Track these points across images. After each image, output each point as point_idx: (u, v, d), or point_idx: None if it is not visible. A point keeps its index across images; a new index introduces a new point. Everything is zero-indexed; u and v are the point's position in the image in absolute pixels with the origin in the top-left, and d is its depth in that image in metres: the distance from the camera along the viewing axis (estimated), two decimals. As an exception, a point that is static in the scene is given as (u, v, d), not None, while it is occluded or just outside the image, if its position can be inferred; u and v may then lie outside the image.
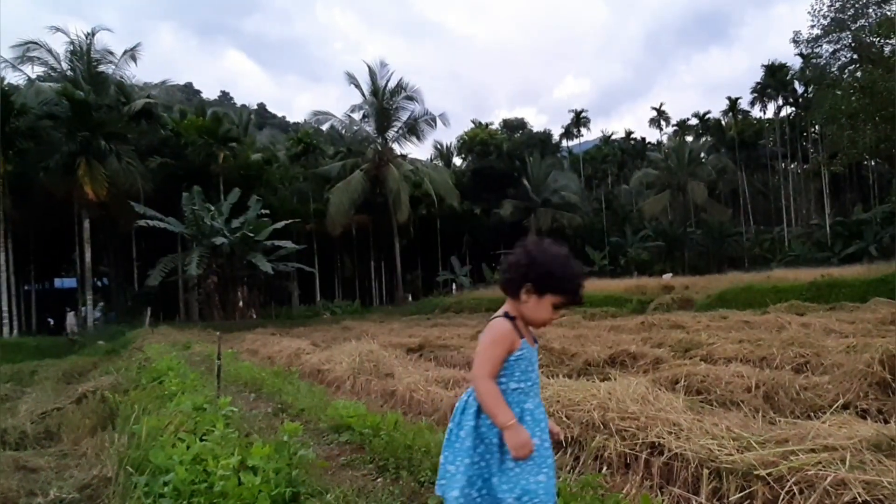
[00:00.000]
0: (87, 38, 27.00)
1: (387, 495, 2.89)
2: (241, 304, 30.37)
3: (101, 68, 27.56)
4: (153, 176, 28.64)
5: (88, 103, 24.92)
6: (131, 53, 28.40)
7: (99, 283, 32.71)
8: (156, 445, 2.96)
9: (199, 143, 30.71)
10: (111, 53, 28.03)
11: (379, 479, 3.21)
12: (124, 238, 31.31)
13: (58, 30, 27.05)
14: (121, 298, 30.81)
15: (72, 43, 27.09)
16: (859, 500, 2.46)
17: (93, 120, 25.09)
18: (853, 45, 18.52)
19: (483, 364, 1.74)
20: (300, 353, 9.59)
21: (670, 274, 34.56)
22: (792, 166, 55.34)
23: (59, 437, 5.07)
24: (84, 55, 26.98)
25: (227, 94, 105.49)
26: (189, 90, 78.32)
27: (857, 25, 18.16)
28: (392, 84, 35.08)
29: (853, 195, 48.60)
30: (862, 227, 37.08)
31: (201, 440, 3.06)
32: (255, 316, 30.56)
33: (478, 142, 49.24)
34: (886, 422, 3.74)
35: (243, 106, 60.33)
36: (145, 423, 3.27)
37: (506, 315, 1.79)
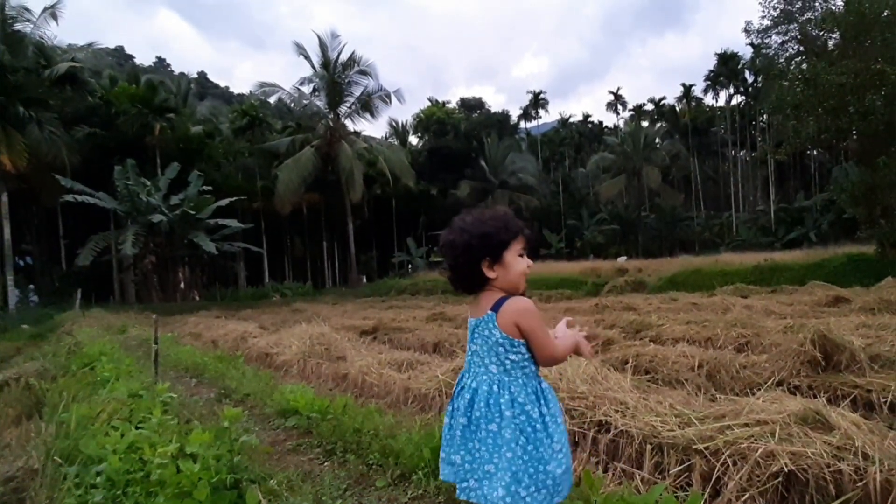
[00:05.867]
0: (-1, -8, 24.49)
1: (333, 478, 2.86)
2: (182, 285, 29.22)
3: (18, 27, 25.08)
4: (80, 147, 26.71)
5: (3, 65, 22.88)
6: (51, 11, 25.78)
7: (21, 263, 30.76)
8: (87, 434, 2.82)
9: (133, 113, 28.65)
10: (28, 10, 25.53)
11: (326, 463, 3.16)
12: (49, 214, 29.38)
13: (-33, -16, 24.42)
14: (46, 279, 28.97)
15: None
16: (786, 469, 2.58)
17: (9, 83, 23.10)
18: (799, 37, 19.14)
19: (544, 332, 1.66)
20: (247, 336, 9.31)
21: (624, 257, 35.50)
22: (741, 154, 57.38)
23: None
24: (-3, 12, 24.60)
25: (163, 60, 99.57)
26: (120, 54, 73.34)
27: (804, 18, 18.78)
28: (344, 57, 33.73)
29: (796, 183, 50.85)
30: (803, 213, 38.92)
31: (137, 428, 2.93)
32: (197, 298, 29.49)
33: (434, 120, 48.72)
34: (816, 397, 3.93)
35: (182, 74, 57.03)
36: (75, 411, 3.11)
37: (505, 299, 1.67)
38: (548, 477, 1.59)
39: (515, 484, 1.56)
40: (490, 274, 1.66)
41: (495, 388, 1.64)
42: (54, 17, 25.95)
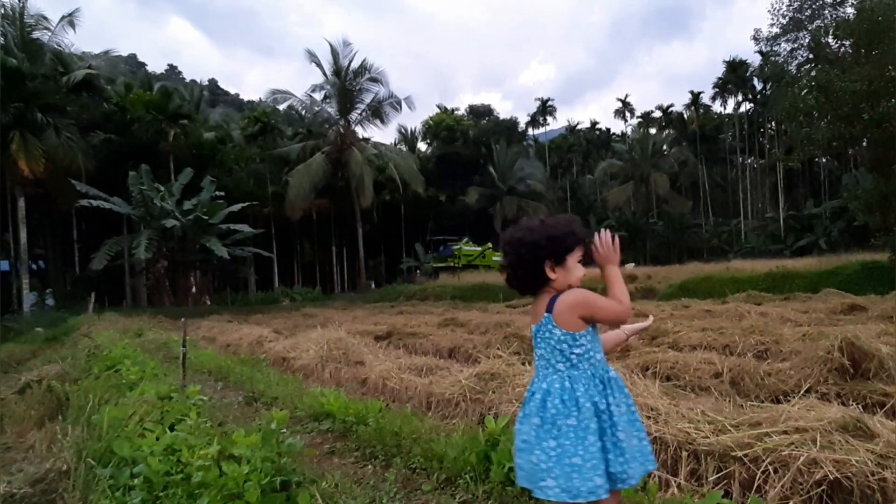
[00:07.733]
0: (19, 0, 24.77)
1: (383, 482, 2.86)
2: (193, 289, 29.27)
3: (36, 35, 25.45)
4: (96, 153, 26.98)
5: (22, 72, 23.12)
6: (69, 19, 26.02)
7: (34, 267, 30.97)
8: (120, 436, 2.82)
9: (147, 120, 29.07)
10: (46, 19, 25.77)
11: (368, 466, 3.17)
12: (63, 219, 29.60)
13: (-14, -8, 24.72)
14: (60, 283, 29.19)
15: (2, 6, 24.95)
16: (830, 477, 2.55)
17: (27, 90, 23.41)
18: (811, 44, 19.08)
19: (602, 302, 1.71)
20: (262, 340, 9.35)
21: (633, 264, 35.32)
22: (749, 161, 57.18)
23: (0, 429, 4.76)
24: (16, 20, 24.81)
25: (175, 67, 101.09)
26: (133, 62, 73.56)
27: (814, 26, 18.73)
28: (355, 64, 34.05)
29: (805, 190, 50.60)
30: (813, 221, 38.65)
31: (170, 430, 2.93)
32: (208, 302, 29.59)
33: (443, 127, 48.87)
34: (846, 405, 3.87)
35: (193, 81, 57.58)
36: (106, 413, 3.10)
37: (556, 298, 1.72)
38: (609, 465, 1.62)
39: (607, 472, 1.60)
40: (551, 275, 1.73)
41: (567, 384, 1.69)
42: (72, 24, 26.26)
